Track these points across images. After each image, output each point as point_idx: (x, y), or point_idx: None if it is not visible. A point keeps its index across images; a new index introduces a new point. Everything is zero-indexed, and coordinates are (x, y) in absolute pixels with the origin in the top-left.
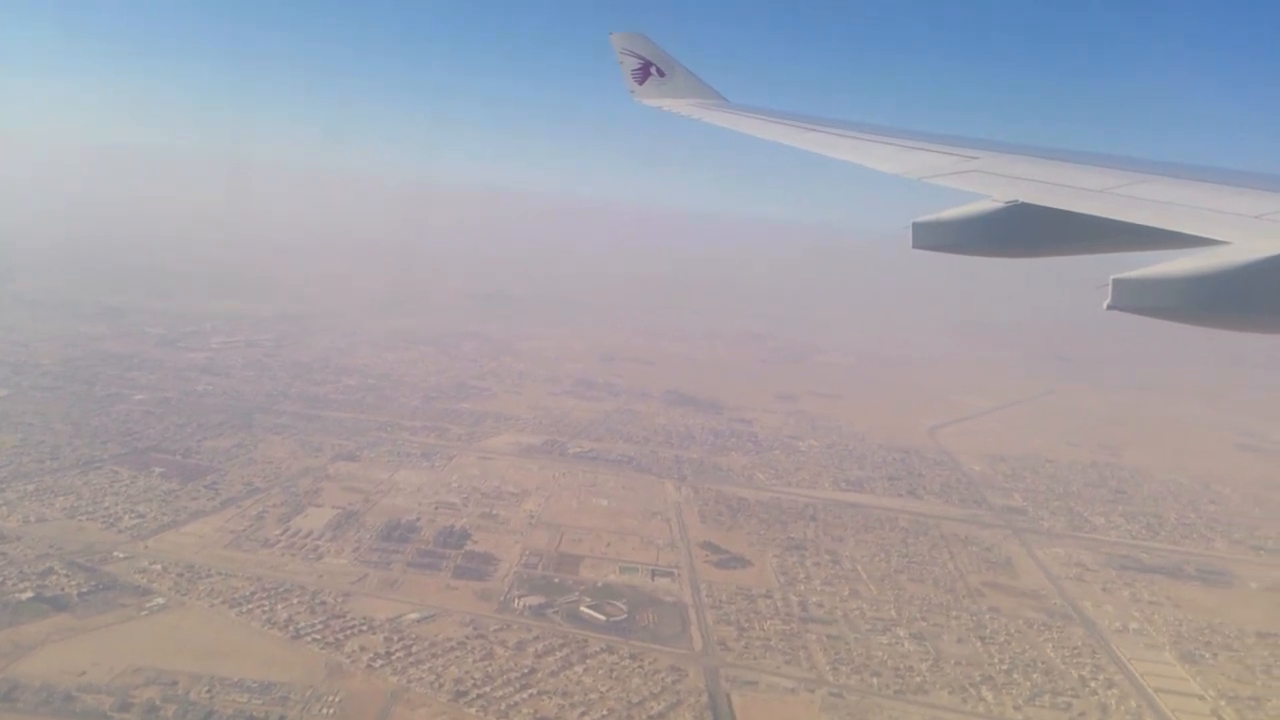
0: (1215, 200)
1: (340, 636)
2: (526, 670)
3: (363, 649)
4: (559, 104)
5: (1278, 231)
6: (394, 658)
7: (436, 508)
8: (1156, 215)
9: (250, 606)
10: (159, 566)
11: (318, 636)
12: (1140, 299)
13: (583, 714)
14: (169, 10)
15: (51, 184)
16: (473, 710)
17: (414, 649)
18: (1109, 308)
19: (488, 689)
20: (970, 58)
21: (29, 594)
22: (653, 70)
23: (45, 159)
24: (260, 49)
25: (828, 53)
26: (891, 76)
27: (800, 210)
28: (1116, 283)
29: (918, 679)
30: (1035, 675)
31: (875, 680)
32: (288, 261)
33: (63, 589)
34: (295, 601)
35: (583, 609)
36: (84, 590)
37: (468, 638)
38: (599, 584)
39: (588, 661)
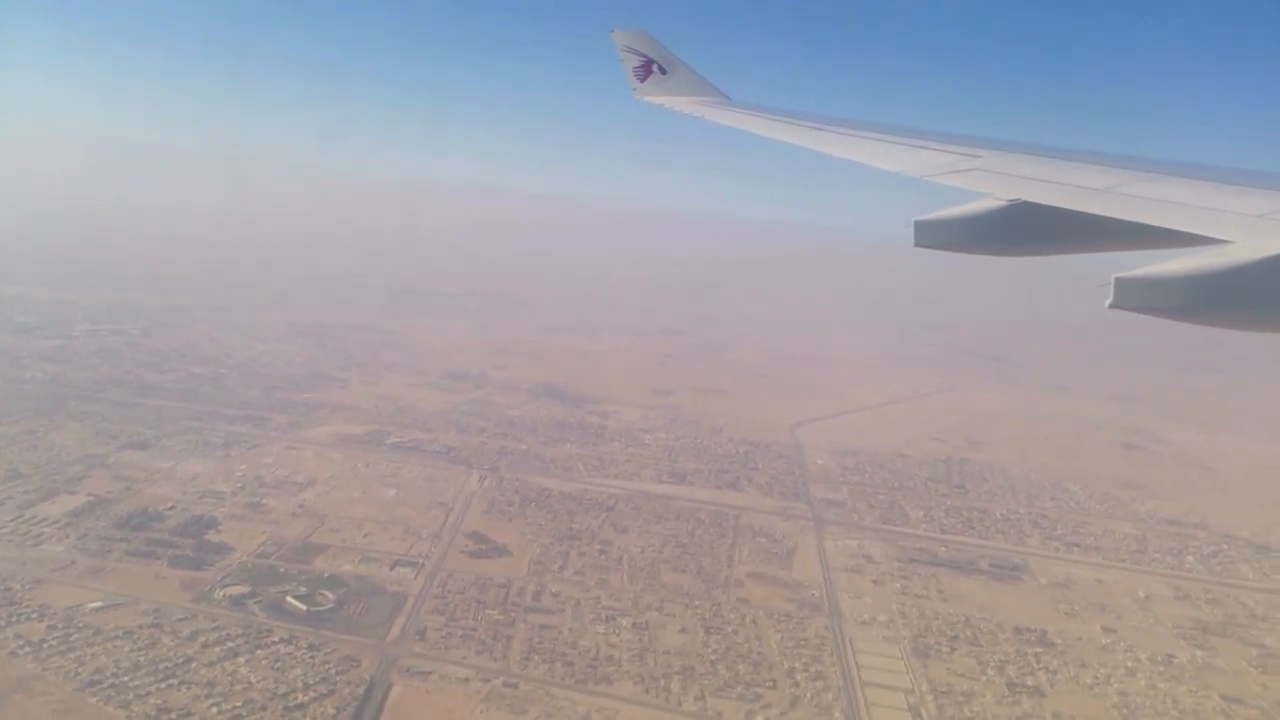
0: (1217, 199)
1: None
2: (182, 661)
3: (17, 637)
4: (559, 103)
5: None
6: (45, 646)
7: (201, 497)
8: (1159, 214)
9: None
10: None
11: None
12: (1142, 298)
13: (213, 705)
14: (165, 10)
15: (32, 181)
16: (95, 700)
17: (73, 638)
18: (1111, 307)
19: (126, 679)
20: (972, 56)
21: None
22: (654, 68)
23: (33, 156)
24: (259, 48)
25: (830, 51)
26: (893, 75)
27: (804, 213)
28: (1119, 282)
29: (610, 669)
30: (741, 667)
31: (564, 671)
32: (228, 257)
33: None
34: None
35: (289, 599)
36: None
37: (141, 627)
38: (326, 574)
39: (257, 652)
